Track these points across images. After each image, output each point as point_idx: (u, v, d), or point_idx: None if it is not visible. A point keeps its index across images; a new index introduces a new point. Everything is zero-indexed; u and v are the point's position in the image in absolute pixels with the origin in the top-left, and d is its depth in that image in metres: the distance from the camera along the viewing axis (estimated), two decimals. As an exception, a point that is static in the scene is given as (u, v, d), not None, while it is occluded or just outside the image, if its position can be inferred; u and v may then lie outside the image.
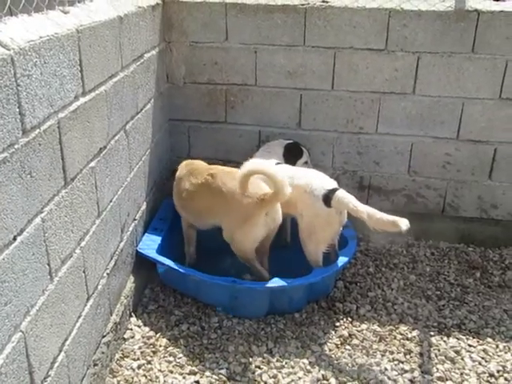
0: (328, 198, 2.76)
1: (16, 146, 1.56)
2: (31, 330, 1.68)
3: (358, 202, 2.76)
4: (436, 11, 3.15)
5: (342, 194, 2.78)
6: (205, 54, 3.47)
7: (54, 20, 1.89)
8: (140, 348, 2.56)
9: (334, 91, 3.43)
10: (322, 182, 2.86)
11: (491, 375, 2.45)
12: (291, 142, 3.39)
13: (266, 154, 3.25)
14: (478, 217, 3.58)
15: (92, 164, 2.19)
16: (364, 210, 2.68)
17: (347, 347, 2.62)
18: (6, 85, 1.49)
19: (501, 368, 2.50)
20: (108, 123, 2.37)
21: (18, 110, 1.56)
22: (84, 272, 2.13)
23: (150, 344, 2.59)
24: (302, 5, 3.26)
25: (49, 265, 1.81)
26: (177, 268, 2.78)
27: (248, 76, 3.48)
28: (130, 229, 2.80)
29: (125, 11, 2.59)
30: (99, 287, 2.32)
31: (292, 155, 3.33)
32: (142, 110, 2.95)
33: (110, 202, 2.46)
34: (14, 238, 1.58)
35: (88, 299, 2.19)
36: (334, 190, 2.78)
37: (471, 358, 2.57)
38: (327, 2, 3.26)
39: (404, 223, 2.56)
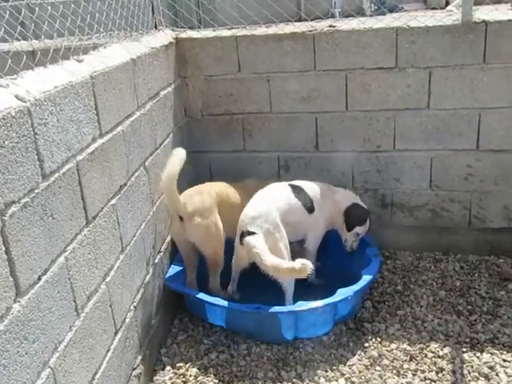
0: (242, 236, 2.78)
1: (36, 191, 1.65)
2: (60, 365, 1.74)
3: (267, 254, 2.63)
4: (443, 25, 3.17)
5: (253, 242, 2.68)
6: (220, 86, 3.57)
7: (68, 69, 2.01)
8: (171, 379, 2.60)
9: (349, 112, 3.47)
10: (249, 216, 2.80)
11: (528, 390, 2.39)
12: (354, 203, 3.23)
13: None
14: (505, 227, 3.51)
15: (113, 201, 2.28)
16: (270, 263, 2.58)
17: (377, 368, 2.60)
18: (24, 134, 1.59)
19: (538, 382, 2.43)
20: (127, 161, 2.47)
21: (36, 156, 1.66)
22: (110, 306, 2.20)
23: (181, 374, 2.63)
24: (310, 31, 3.34)
25: (74, 301, 1.88)
26: (203, 298, 2.82)
27: (263, 104, 3.56)
28: (156, 261, 2.87)
29: (138, 53, 2.72)
30: (127, 320, 2.39)
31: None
32: (161, 145, 3.05)
33: (134, 236, 2.54)
34: (39, 278, 1.66)
35: (116, 333, 2.26)
36: (249, 233, 2.73)
37: (506, 373, 2.50)
38: (334, 27, 3.33)
39: (300, 263, 2.52)
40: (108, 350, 2.16)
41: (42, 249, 1.67)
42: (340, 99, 3.45)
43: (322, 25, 3.37)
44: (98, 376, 2.04)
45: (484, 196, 3.48)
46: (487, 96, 3.25)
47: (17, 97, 1.60)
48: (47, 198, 1.72)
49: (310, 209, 3.11)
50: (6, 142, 1.50)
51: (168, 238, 3.14)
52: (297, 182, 3.19)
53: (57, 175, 1.79)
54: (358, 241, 3.21)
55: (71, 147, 1.90)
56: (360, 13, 4.08)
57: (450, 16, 3.23)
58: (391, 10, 9.18)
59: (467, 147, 3.39)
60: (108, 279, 2.19)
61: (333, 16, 7.27)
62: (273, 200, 2.93)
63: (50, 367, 1.68)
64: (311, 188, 3.18)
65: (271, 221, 2.80)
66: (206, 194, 3.04)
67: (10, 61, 1.75)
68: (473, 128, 3.34)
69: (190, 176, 3.71)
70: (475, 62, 3.19)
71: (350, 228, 3.15)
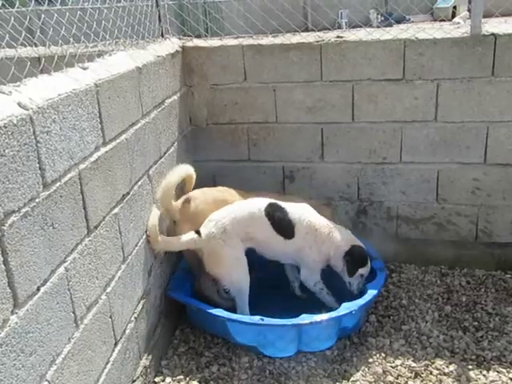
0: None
1: (37, 200, 1.63)
2: (57, 378, 1.71)
3: (168, 239, 2.82)
4: (451, 38, 3.15)
5: (184, 236, 2.84)
6: (225, 96, 3.55)
7: (72, 77, 2.00)
8: (171, 391, 2.56)
9: (355, 123, 3.44)
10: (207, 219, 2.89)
11: (536, 410, 2.33)
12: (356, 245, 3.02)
13: None
14: (513, 242, 3.47)
15: (115, 211, 2.26)
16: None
17: (381, 384, 2.55)
18: (25, 143, 1.57)
19: (546, 402, 2.37)
20: (130, 170, 2.45)
21: (38, 165, 1.64)
22: (111, 317, 2.17)
23: (181, 387, 2.59)
24: (317, 41, 3.32)
25: (74, 312, 1.85)
26: (205, 309, 2.79)
27: (268, 114, 3.54)
28: (158, 271, 2.84)
29: (143, 61, 2.70)
30: (127, 332, 2.35)
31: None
32: (165, 154, 3.03)
33: (136, 246, 2.51)
34: (38, 289, 1.63)
35: (116, 344, 2.22)
36: (197, 232, 2.84)
37: (513, 392, 2.45)
38: (342, 37, 3.31)
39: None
40: (107, 362, 2.13)
41: (41, 259, 1.64)
42: (346, 110, 3.42)
43: (330, 35, 3.35)
44: (96, 389, 2.00)
45: (491, 210, 3.43)
46: (495, 109, 3.22)
47: (19, 104, 1.58)
48: (48, 207, 1.69)
49: (285, 233, 2.91)
50: (7, 151, 1.47)
51: (170, 248, 3.10)
52: (292, 205, 2.99)
53: (58, 184, 1.76)
54: (364, 281, 2.98)
55: (74, 156, 1.88)
56: (367, 24, 4.04)
57: (458, 28, 3.21)
58: (398, 22, 9.20)
59: (475, 161, 3.35)
60: (109, 290, 2.16)
61: (339, 27, 7.28)
62: (233, 210, 2.90)
63: (47, 380, 1.65)
64: (303, 216, 2.94)
65: (219, 227, 2.82)
66: (200, 200, 3.03)
67: (13, 68, 1.73)
68: (480, 141, 3.30)
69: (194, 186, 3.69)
70: (483, 74, 3.16)
71: (352, 272, 2.92)
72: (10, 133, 1.49)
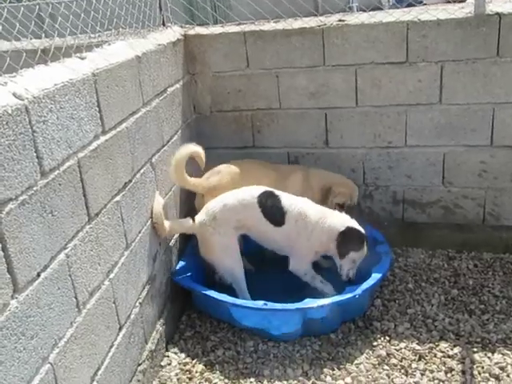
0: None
1: (35, 188, 1.66)
2: (60, 361, 1.75)
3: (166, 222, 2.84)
4: (455, 18, 3.10)
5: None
6: (228, 83, 3.56)
7: (69, 67, 2.02)
8: (176, 375, 2.61)
9: (359, 107, 3.42)
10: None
11: (539, 391, 2.33)
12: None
13: None
14: (521, 224, 3.44)
15: (117, 198, 2.29)
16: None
17: (385, 367, 2.56)
18: (21, 132, 1.60)
19: (550, 383, 2.36)
20: (132, 158, 2.47)
21: (35, 154, 1.67)
22: (114, 303, 2.21)
23: (187, 370, 2.63)
24: (319, 26, 3.30)
25: (76, 298, 1.89)
26: (209, 294, 2.82)
27: (272, 100, 3.53)
28: (163, 258, 2.88)
29: (143, 50, 2.72)
30: (132, 316, 2.39)
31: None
32: (168, 142, 3.05)
33: (139, 233, 2.54)
34: (38, 275, 1.67)
35: (120, 329, 2.26)
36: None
37: (517, 374, 2.44)
38: (343, 21, 3.29)
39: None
40: (111, 346, 2.17)
41: (41, 246, 1.68)
42: (350, 95, 3.40)
43: (331, 19, 3.33)
44: (100, 372, 2.05)
45: (499, 193, 3.40)
46: (501, 90, 3.17)
47: (14, 95, 1.60)
48: (46, 195, 1.72)
49: (275, 220, 2.90)
50: (2, 140, 1.51)
51: (176, 235, 3.14)
52: (287, 195, 2.99)
53: (57, 172, 1.79)
54: (356, 269, 2.88)
55: (72, 144, 1.91)
56: (378, 8, 3.99)
57: (462, 9, 3.16)
58: (411, 5, 9.01)
59: (481, 143, 3.32)
60: (112, 276, 2.19)
61: (351, 10, 7.19)
62: (225, 197, 2.93)
63: (49, 363, 1.69)
64: (295, 204, 2.91)
65: (209, 214, 2.88)
66: (225, 173, 3.21)
67: (8, 59, 1.76)
68: (487, 123, 3.26)
69: (198, 174, 3.71)
70: (488, 55, 3.11)
71: (343, 254, 2.83)
72: (4, 122, 1.52)
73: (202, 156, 3.01)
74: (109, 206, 2.20)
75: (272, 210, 2.90)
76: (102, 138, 2.17)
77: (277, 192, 2.97)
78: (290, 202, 2.93)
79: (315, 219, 2.89)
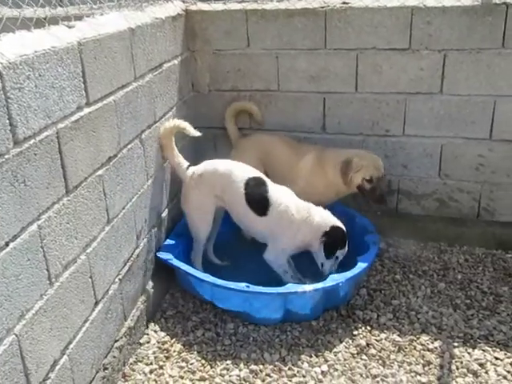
0: None
1: (6, 156, 1.63)
2: (26, 333, 1.74)
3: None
4: (461, 6, 3.01)
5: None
6: (228, 62, 3.50)
7: (54, 34, 1.97)
8: (154, 353, 2.60)
9: (358, 94, 3.36)
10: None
11: (516, 390, 2.30)
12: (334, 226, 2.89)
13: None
14: (516, 221, 3.38)
15: (99, 172, 2.26)
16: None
17: (363, 357, 2.54)
18: (-7, 98, 1.56)
19: (528, 383, 2.33)
20: (119, 132, 2.44)
21: (8, 121, 1.63)
22: (91, 277, 2.19)
23: (164, 349, 2.62)
24: (322, 7, 3.22)
25: (48, 270, 1.87)
26: (193, 273, 2.80)
27: (271, 81, 3.47)
28: (148, 235, 2.85)
29: (138, 23, 2.66)
30: (110, 292, 2.38)
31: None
32: (161, 118, 3.01)
33: (123, 209, 2.51)
34: (7, 244, 1.65)
35: (96, 304, 2.25)
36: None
37: (496, 371, 2.41)
38: (347, 4, 3.20)
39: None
40: (86, 321, 2.16)
41: (10, 215, 1.65)
42: (350, 80, 3.33)
43: (335, 1, 3.25)
44: (72, 345, 2.04)
45: (495, 188, 3.34)
46: (504, 83, 3.09)
47: (-13, 59, 1.57)
48: (19, 164, 1.69)
49: (257, 209, 2.87)
50: (-29, 105, 1.47)
51: (164, 214, 3.12)
52: (275, 186, 2.94)
53: (32, 142, 1.76)
54: (337, 264, 2.88)
55: (51, 114, 1.87)
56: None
57: (469, -4, 3.06)
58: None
59: (480, 136, 3.25)
60: (89, 250, 2.17)
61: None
62: (221, 164, 2.97)
63: (14, 334, 1.68)
64: (281, 198, 2.87)
65: (199, 170, 2.98)
66: (249, 139, 3.49)
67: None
68: (487, 116, 3.19)
69: (194, 152, 3.68)
70: (493, 46, 3.04)
71: (330, 254, 2.82)
72: (-25, 87, 1.49)
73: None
74: (90, 180, 2.17)
75: (255, 197, 2.87)
76: (86, 110, 2.13)
77: (267, 182, 2.94)
78: (278, 194, 2.89)
79: (300, 216, 2.85)
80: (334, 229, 2.84)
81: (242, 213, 2.92)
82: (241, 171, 2.92)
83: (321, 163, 3.26)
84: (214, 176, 2.93)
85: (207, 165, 2.99)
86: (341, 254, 2.86)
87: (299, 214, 2.85)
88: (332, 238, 2.82)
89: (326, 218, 2.87)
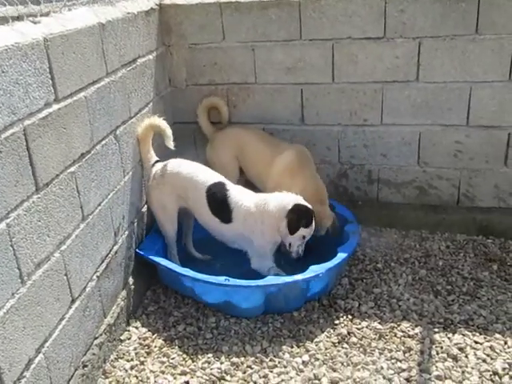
0: None
1: (-31, 154, 1.61)
2: (-3, 332, 1.72)
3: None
4: (435, -7, 3.02)
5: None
6: (204, 56, 3.48)
7: (18, 30, 1.94)
8: (135, 349, 2.59)
9: (335, 84, 3.35)
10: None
11: (495, 373, 2.31)
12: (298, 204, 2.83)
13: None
14: (495, 206, 3.40)
15: (72, 169, 2.24)
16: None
17: (344, 346, 2.55)
18: (-48, 95, 1.54)
19: (507, 366, 2.35)
20: (91, 128, 2.41)
21: (-31, 118, 1.61)
22: (66, 275, 2.17)
23: (145, 345, 2.61)
24: (296, -2, 3.21)
25: (19, 268, 1.85)
26: (172, 268, 2.79)
27: (247, 74, 3.46)
28: (127, 232, 2.84)
29: (108, 18, 2.63)
30: (87, 290, 2.36)
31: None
32: (137, 114, 2.99)
33: (98, 205, 2.49)
34: (-27, 243, 1.63)
35: (73, 301, 2.23)
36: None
37: (476, 355, 2.43)
38: (321, -6, 3.19)
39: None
40: (62, 319, 2.14)
41: (-24, 214, 1.64)
42: (326, 70, 3.33)
43: (309, -9, 3.23)
44: (48, 344, 2.02)
45: (474, 174, 3.36)
46: (479, 69, 3.10)
47: None
48: (-16, 162, 1.67)
49: (220, 215, 2.87)
50: None
51: (144, 209, 3.10)
52: (236, 189, 2.92)
53: (-3, 139, 1.74)
54: (304, 245, 2.86)
55: (17, 111, 1.84)
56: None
57: (441, -17, 3.06)
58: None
59: (457, 122, 3.26)
60: (63, 248, 2.15)
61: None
62: (185, 166, 2.97)
63: (-15, 333, 1.66)
64: (240, 199, 2.86)
65: (162, 170, 2.96)
66: (223, 132, 3.47)
67: None
68: (463, 102, 3.20)
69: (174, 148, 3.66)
70: (467, 32, 3.04)
71: (293, 231, 2.77)
72: None
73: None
74: (62, 177, 2.15)
75: (217, 204, 2.87)
76: (55, 106, 2.10)
77: (228, 185, 2.91)
78: (237, 198, 2.87)
79: (259, 209, 2.82)
80: (297, 206, 2.78)
81: (207, 219, 2.93)
82: (203, 176, 2.91)
83: (292, 170, 3.16)
84: (176, 179, 2.93)
85: (171, 166, 2.96)
86: (307, 233, 2.80)
87: (258, 208, 2.82)
88: (294, 214, 2.76)
89: (286, 198, 2.82)
